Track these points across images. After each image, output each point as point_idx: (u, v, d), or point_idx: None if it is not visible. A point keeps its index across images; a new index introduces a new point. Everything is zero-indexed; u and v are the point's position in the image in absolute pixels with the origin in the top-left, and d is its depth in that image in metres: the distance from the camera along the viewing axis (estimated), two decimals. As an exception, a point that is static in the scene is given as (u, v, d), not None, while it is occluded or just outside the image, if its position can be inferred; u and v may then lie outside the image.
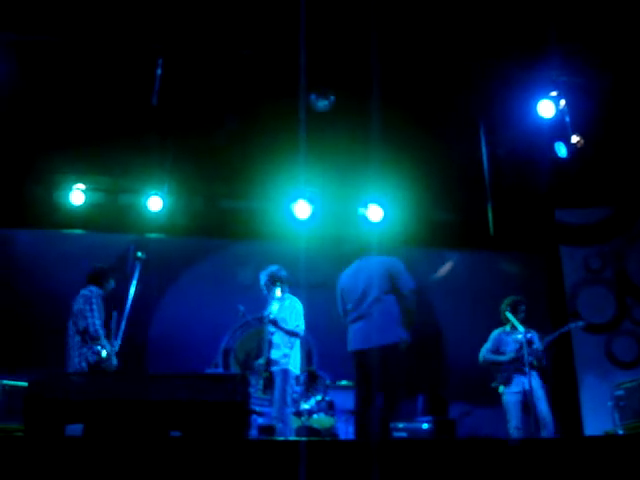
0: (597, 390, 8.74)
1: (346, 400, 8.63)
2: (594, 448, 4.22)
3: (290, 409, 7.03)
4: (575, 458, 4.05)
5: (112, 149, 8.72)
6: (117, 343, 6.35)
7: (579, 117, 7.80)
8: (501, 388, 7.41)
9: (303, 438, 7.27)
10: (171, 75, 7.40)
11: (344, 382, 8.82)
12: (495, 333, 7.70)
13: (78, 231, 9.91)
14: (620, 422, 8.02)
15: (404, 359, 6.01)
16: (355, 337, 6.17)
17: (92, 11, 6.80)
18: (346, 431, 8.68)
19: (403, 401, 6.61)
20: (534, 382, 7.18)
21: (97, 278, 6.85)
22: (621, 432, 7.86)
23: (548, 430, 7.01)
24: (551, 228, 10.46)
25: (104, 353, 6.48)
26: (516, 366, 7.32)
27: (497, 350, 7.58)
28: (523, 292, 8.04)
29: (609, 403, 8.29)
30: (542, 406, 7.12)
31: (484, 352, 7.63)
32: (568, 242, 10.37)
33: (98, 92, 7.87)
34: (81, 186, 9.55)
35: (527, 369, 7.12)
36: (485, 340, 7.68)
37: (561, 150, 7.93)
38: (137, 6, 6.79)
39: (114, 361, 6.61)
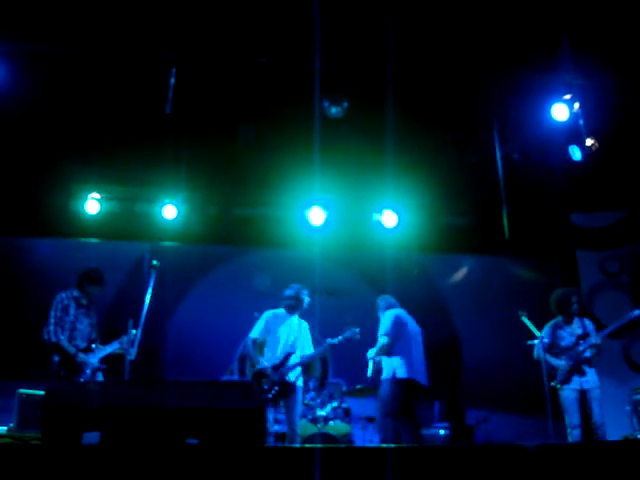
0: (615, 394, 8.66)
1: (362, 407, 8.62)
2: (612, 453, 4.19)
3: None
4: (593, 463, 4.02)
5: (127, 158, 8.77)
6: (133, 351, 6.34)
7: (593, 120, 7.77)
8: (558, 385, 6.95)
9: (319, 445, 7.26)
10: (185, 84, 7.44)
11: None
12: (548, 327, 7.17)
13: (94, 240, 9.95)
14: (638, 426, 7.95)
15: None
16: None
17: (106, 22, 6.85)
18: (362, 438, 8.65)
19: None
20: (591, 380, 6.88)
21: (77, 280, 6.79)
22: (639, 437, 7.80)
23: (599, 435, 6.61)
24: (567, 232, 10.40)
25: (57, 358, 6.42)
26: (574, 366, 6.94)
27: (553, 345, 7.03)
28: (539, 297, 7.97)
29: (627, 407, 8.23)
30: (596, 409, 6.74)
31: (540, 350, 6.95)
32: (584, 246, 10.30)
33: (113, 102, 7.93)
34: (96, 195, 9.60)
35: (585, 367, 6.88)
36: (499, 346, 7.54)
37: (576, 153, 7.89)
38: (150, 15, 6.83)
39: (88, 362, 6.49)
